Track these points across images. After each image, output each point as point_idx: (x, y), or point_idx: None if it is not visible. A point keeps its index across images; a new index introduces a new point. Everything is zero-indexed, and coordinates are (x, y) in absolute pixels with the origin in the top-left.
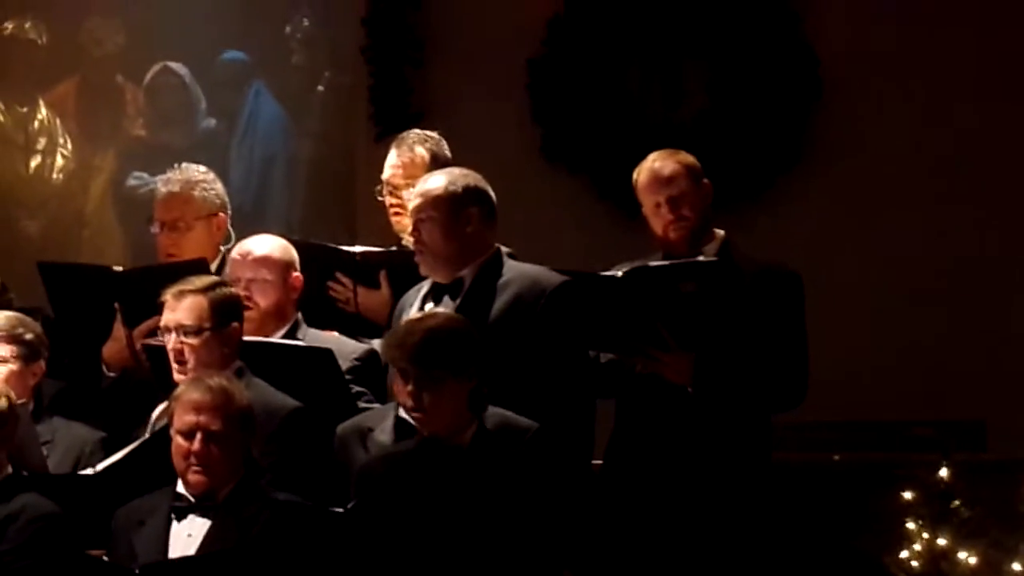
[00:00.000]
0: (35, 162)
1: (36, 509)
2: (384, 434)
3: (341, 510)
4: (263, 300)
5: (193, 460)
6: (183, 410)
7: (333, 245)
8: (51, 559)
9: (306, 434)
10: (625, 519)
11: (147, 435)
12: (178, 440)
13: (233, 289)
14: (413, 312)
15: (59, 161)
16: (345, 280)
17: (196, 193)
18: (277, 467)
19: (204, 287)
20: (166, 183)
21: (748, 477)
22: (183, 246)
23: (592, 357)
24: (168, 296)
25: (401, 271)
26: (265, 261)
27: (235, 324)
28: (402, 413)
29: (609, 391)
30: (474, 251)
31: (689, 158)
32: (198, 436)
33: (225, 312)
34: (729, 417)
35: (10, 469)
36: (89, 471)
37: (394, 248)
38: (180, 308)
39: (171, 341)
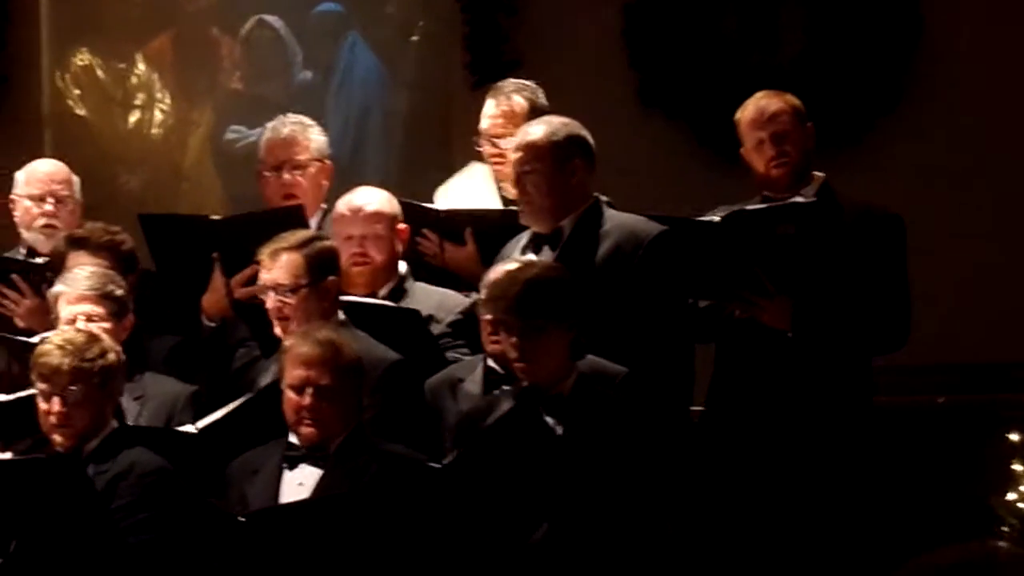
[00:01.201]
0: (134, 118)
1: (145, 464)
2: (474, 384)
3: (439, 464)
4: (378, 255)
5: (304, 414)
6: (292, 365)
7: (417, 202)
8: (163, 513)
9: (406, 386)
10: (727, 466)
11: (251, 392)
12: (289, 394)
13: (329, 242)
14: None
15: (157, 116)
16: (431, 235)
17: (311, 135)
18: (378, 419)
19: (299, 243)
20: (280, 125)
21: (850, 421)
22: (300, 187)
23: (690, 304)
24: (264, 255)
25: (485, 227)
26: (378, 216)
27: (332, 278)
28: (491, 363)
29: (707, 337)
30: (575, 201)
31: (795, 99)
32: (308, 391)
33: (321, 266)
34: (830, 361)
35: (115, 424)
36: (191, 428)
37: (473, 208)
38: (276, 267)
39: (270, 300)
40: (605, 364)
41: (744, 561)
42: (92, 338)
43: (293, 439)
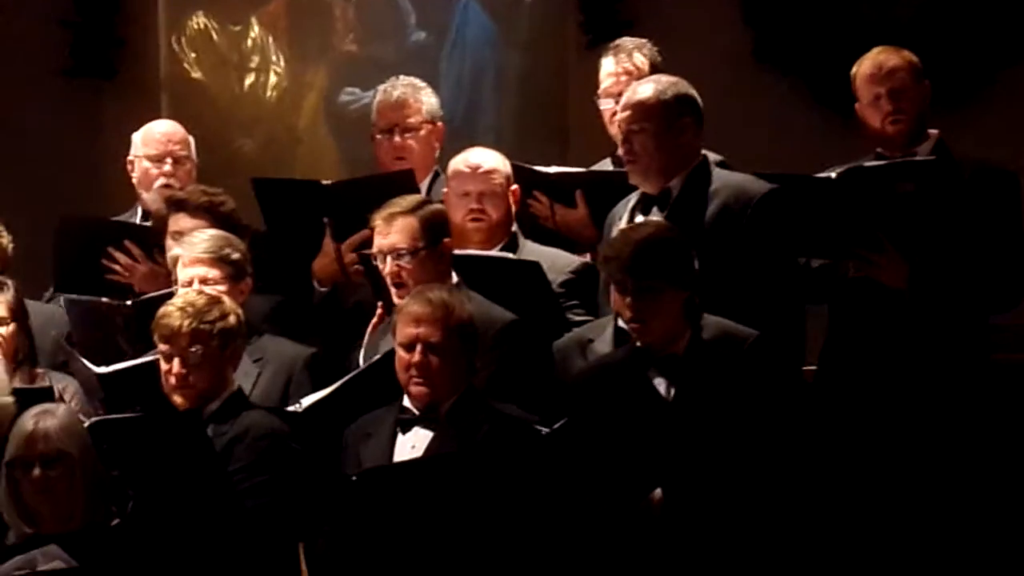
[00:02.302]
0: (249, 80)
1: (261, 427)
2: (604, 345)
3: (554, 427)
4: (495, 212)
5: (414, 372)
6: (404, 323)
7: (527, 165)
8: (279, 476)
9: (522, 346)
10: (841, 426)
11: (362, 363)
12: (400, 353)
13: (439, 205)
14: (623, 224)
15: (272, 79)
16: (542, 197)
17: (423, 97)
18: (493, 379)
19: (412, 207)
20: (392, 88)
21: (967, 379)
22: (411, 150)
23: (802, 263)
24: (378, 220)
25: (596, 189)
26: (495, 173)
27: (446, 240)
28: (621, 323)
29: (820, 297)
30: (684, 160)
31: (911, 55)
32: (418, 348)
33: (436, 229)
34: (946, 319)
35: (235, 387)
36: (297, 407)
37: (583, 170)
38: (392, 231)
39: (387, 265)
40: (734, 327)
41: (862, 524)
42: (213, 300)
43: (407, 403)
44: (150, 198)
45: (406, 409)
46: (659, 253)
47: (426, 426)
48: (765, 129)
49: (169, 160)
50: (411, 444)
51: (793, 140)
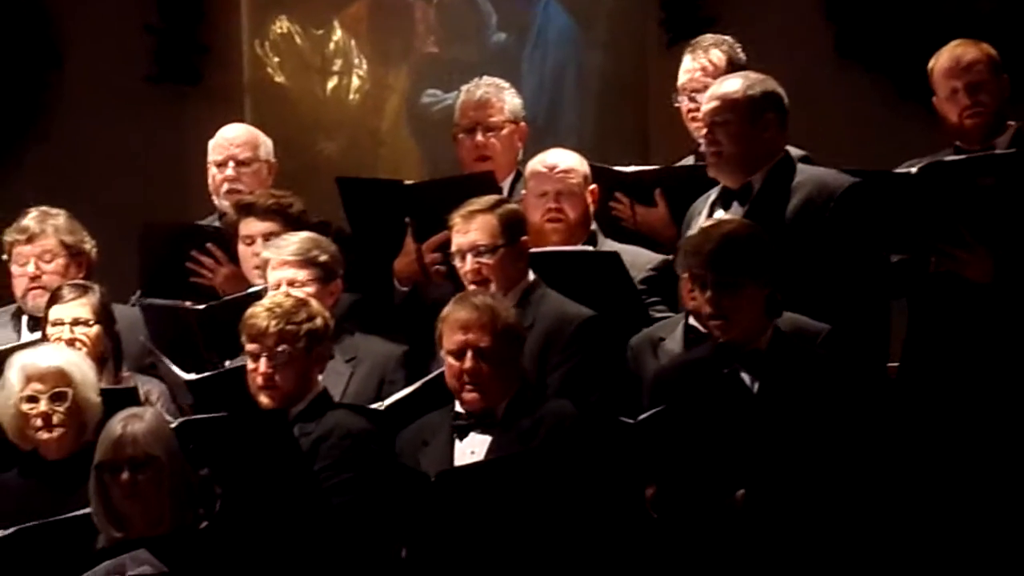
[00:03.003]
0: (332, 84)
1: (348, 426)
2: (674, 343)
3: (639, 418)
4: (572, 212)
5: (465, 379)
6: (451, 330)
7: (606, 165)
8: (363, 475)
9: (599, 342)
10: (925, 423)
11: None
12: (450, 360)
13: (515, 204)
14: (702, 220)
15: (355, 82)
16: (623, 198)
17: (506, 96)
18: (571, 375)
19: (491, 205)
20: (475, 87)
21: None
22: (493, 149)
23: (884, 257)
24: (457, 218)
25: (675, 187)
26: (572, 173)
27: (524, 238)
28: (692, 321)
29: (902, 292)
30: (766, 156)
31: (990, 48)
32: (468, 354)
33: (514, 227)
34: None
35: (321, 388)
36: (378, 405)
37: (661, 167)
38: (472, 229)
39: (467, 263)
40: (806, 321)
41: (942, 520)
42: (300, 303)
43: (459, 408)
44: (222, 203)
45: (460, 415)
46: (741, 249)
47: (483, 431)
48: (848, 124)
49: (231, 164)
50: (470, 450)
51: (876, 135)
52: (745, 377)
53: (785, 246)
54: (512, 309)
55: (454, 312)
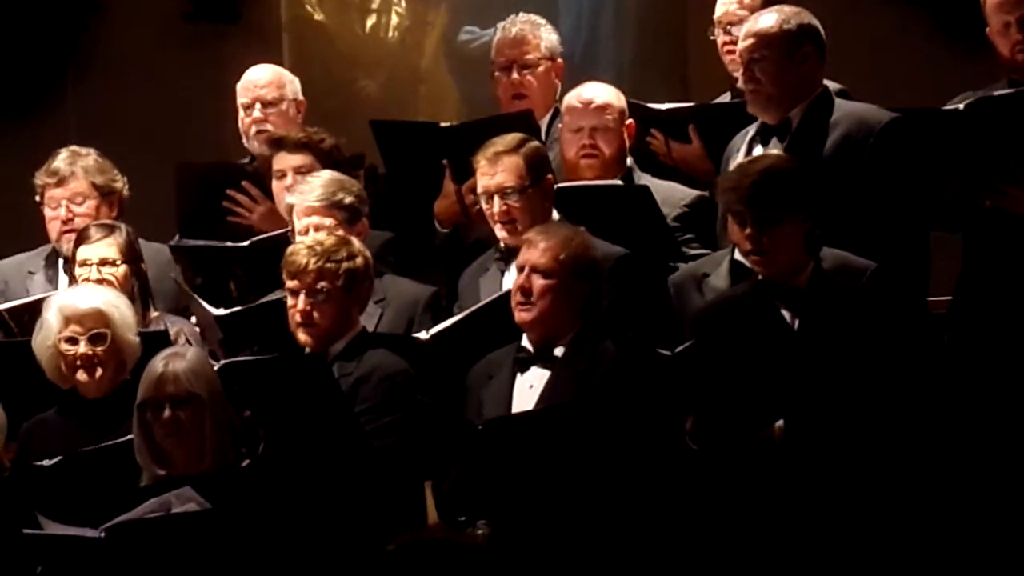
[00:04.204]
0: (371, 21)
1: (387, 367)
2: (720, 279)
3: (677, 349)
4: (607, 147)
5: (519, 297)
6: (523, 249)
7: (641, 102)
8: (404, 416)
9: (633, 279)
10: (976, 360)
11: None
12: (516, 277)
13: (538, 142)
14: (740, 157)
15: (393, 19)
16: (658, 134)
17: (542, 33)
18: (607, 315)
19: (515, 145)
20: (510, 24)
21: None
22: (529, 87)
23: (936, 191)
24: (482, 160)
25: (709, 123)
26: (608, 108)
27: (549, 176)
28: (738, 256)
29: (956, 225)
30: (805, 91)
31: None
32: (525, 271)
33: (539, 166)
34: None
35: (360, 327)
36: (423, 335)
37: (696, 103)
38: (499, 170)
39: (495, 204)
40: (851, 258)
41: (985, 457)
42: (342, 241)
43: (525, 342)
44: (252, 146)
45: (523, 349)
46: (780, 183)
47: (543, 365)
48: (888, 58)
49: (258, 105)
50: (529, 384)
51: (918, 69)
52: (785, 314)
53: (824, 182)
54: (593, 249)
55: (531, 232)
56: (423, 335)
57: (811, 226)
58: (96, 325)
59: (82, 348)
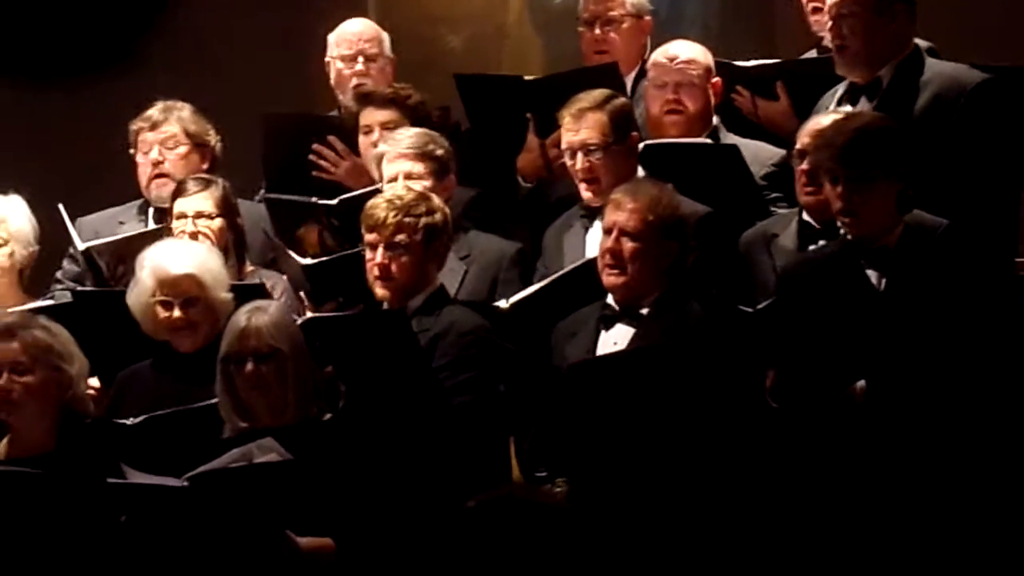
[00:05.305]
0: None
1: (465, 324)
2: (788, 239)
3: (759, 306)
4: (692, 104)
5: (608, 259)
6: (609, 209)
7: (728, 60)
8: (483, 372)
9: (718, 238)
10: None
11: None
12: (603, 239)
13: (624, 99)
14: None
15: None
16: (744, 92)
17: None
18: (692, 272)
19: (600, 101)
20: None
21: None
22: (612, 43)
23: None
24: (566, 116)
25: (796, 80)
26: (693, 64)
27: (634, 134)
28: (806, 216)
29: None
30: (894, 49)
31: None
32: (614, 233)
33: (624, 123)
34: None
35: (438, 284)
36: (503, 303)
37: (783, 60)
38: (583, 127)
39: (578, 161)
40: (923, 216)
41: None
42: (421, 196)
43: (610, 299)
44: (345, 99)
45: (608, 306)
46: (874, 142)
47: (628, 323)
48: (977, 17)
49: (361, 59)
50: (613, 341)
51: (1009, 29)
52: (872, 274)
53: (916, 142)
54: (680, 208)
55: (617, 192)
56: (503, 304)
57: (903, 186)
58: (189, 291)
59: (176, 313)
